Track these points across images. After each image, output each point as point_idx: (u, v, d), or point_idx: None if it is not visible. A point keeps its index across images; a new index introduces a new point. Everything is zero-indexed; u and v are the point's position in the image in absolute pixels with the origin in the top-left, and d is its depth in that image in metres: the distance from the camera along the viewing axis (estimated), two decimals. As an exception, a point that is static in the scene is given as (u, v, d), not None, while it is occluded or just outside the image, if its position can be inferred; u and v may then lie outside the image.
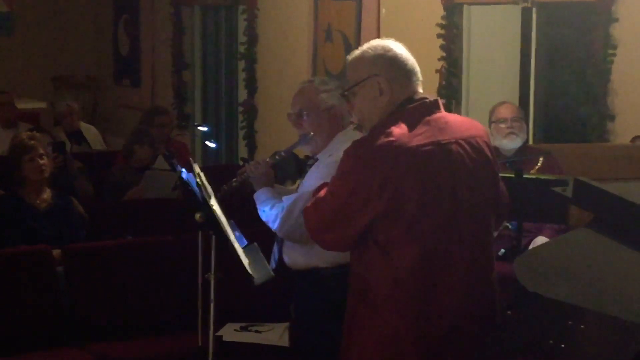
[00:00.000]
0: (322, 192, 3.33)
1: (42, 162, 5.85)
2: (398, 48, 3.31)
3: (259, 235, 4.30)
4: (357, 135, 4.02)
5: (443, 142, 3.17)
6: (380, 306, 3.18)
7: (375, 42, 3.35)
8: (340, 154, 3.88)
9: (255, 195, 4.14)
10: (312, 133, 4.11)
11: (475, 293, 3.23)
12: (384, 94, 3.26)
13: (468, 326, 3.21)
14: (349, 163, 3.19)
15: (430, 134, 3.17)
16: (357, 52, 3.36)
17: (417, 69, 3.32)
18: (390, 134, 3.13)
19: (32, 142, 5.90)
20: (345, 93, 3.37)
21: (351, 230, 3.18)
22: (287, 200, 4.03)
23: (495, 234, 4.93)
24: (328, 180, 3.90)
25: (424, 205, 3.10)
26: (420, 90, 3.31)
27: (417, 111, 3.22)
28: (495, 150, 5.63)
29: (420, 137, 3.15)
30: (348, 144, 3.69)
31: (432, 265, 3.14)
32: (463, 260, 3.19)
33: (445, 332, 3.17)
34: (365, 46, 3.35)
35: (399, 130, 3.15)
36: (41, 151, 5.89)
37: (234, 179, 4.21)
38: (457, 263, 3.18)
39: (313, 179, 4.03)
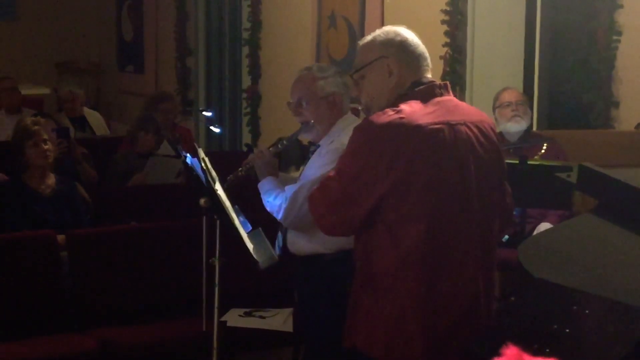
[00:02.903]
0: (330, 173, 3.33)
1: (45, 147, 5.85)
2: (409, 34, 3.35)
3: (263, 221, 4.30)
4: (358, 120, 4.03)
5: (452, 122, 3.19)
6: (386, 287, 3.18)
7: (387, 28, 3.39)
8: (342, 140, 3.92)
9: (259, 185, 4.14)
10: (312, 121, 4.11)
11: (481, 274, 3.24)
12: (393, 75, 3.28)
13: (475, 308, 3.22)
14: (358, 140, 3.19)
15: (440, 114, 3.19)
16: (368, 37, 3.39)
17: (427, 55, 3.35)
18: (400, 112, 3.15)
19: (36, 127, 5.90)
20: (354, 76, 3.37)
21: (359, 210, 3.17)
22: (289, 189, 4.04)
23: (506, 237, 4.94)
24: (330, 166, 3.92)
25: (432, 182, 3.12)
26: (429, 75, 3.33)
27: (426, 92, 3.25)
28: (500, 136, 5.68)
29: (430, 115, 3.17)
30: (349, 130, 3.71)
31: (438, 244, 3.15)
32: (470, 241, 3.20)
33: (452, 313, 3.18)
34: (377, 31, 3.39)
35: (409, 108, 3.17)
36: (45, 136, 5.88)
37: (240, 169, 4.22)
38: (464, 243, 3.19)
39: (315, 167, 4.04)
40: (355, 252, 3.32)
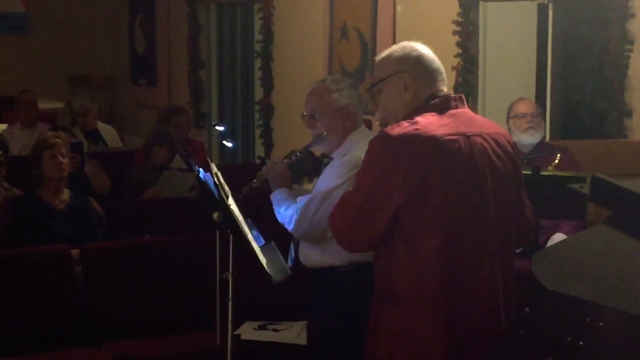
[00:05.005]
0: (348, 189, 3.34)
1: (62, 160, 5.89)
2: (425, 49, 3.39)
3: (276, 234, 4.31)
4: (370, 134, 4.04)
5: (468, 133, 3.21)
6: (405, 300, 3.19)
7: (403, 43, 3.42)
8: (355, 152, 3.93)
9: (272, 196, 4.16)
10: (325, 133, 4.12)
11: (499, 284, 3.24)
12: (409, 90, 3.31)
13: (493, 318, 3.22)
14: (374, 152, 3.21)
15: (455, 125, 3.21)
16: (385, 51, 3.43)
17: (443, 70, 3.40)
18: (415, 123, 3.18)
19: (56, 140, 5.97)
20: (371, 90, 3.39)
21: (378, 223, 3.18)
22: (301, 200, 4.04)
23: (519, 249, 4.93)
24: (342, 179, 3.93)
25: (448, 194, 3.12)
26: (445, 89, 3.36)
27: (442, 104, 3.28)
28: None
29: (445, 127, 3.19)
30: (362, 143, 3.73)
31: (456, 255, 3.15)
32: (487, 252, 3.20)
33: (471, 323, 3.18)
34: (394, 46, 3.42)
35: (424, 120, 3.20)
36: (63, 150, 5.94)
37: (254, 180, 4.23)
38: (481, 254, 3.19)
39: (327, 179, 4.04)
40: (374, 265, 3.33)
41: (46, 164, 5.87)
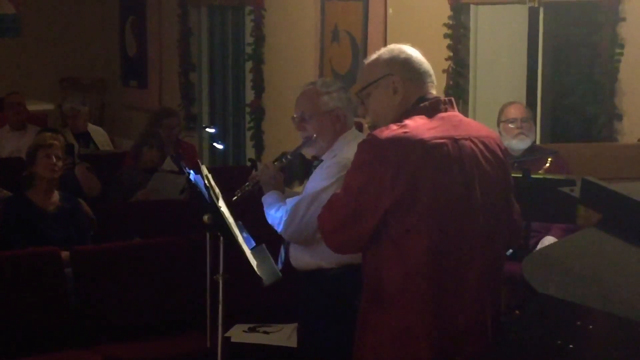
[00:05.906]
0: (337, 191, 3.34)
1: (55, 161, 5.89)
2: (413, 51, 3.39)
3: (266, 237, 4.30)
4: (361, 136, 4.04)
5: (457, 137, 3.21)
6: (393, 302, 3.19)
7: (392, 46, 3.43)
8: (344, 154, 3.93)
9: (263, 199, 4.16)
10: (315, 135, 4.12)
11: (487, 288, 3.24)
12: (398, 92, 3.31)
13: (480, 322, 3.22)
14: (362, 155, 3.21)
15: (444, 129, 3.21)
16: (373, 55, 3.43)
17: (432, 71, 3.39)
18: (404, 126, 3.18)
19: (54, 141, 5.98)
20: (360, 94, 3.40)
21: (366, 225, 3.18)
22: (290, 202, 4.04)
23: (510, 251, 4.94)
24: (331, 180, 3.93)
25: (436, 196, 3.12)
26: (434, 91, 3.36)
27: (431, 108, 3.28)
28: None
29: (434, 130, 3.19)
30: (352, 145, 3.73)
31: (444, 258, 3.16)
32: (475, 255, 3.20)
33: (458, 327, 3.18)
34: (381, 49, 3.43)
35: (413, 123, 3.20)
36: (58, 152, 5.94)
37: (247, 184, 4.23)
38: (469, 257, 3.19)
39: (317, 180, 4.04)
40: (363, 267, 3.33)
41: (39, 163, 5.88)
